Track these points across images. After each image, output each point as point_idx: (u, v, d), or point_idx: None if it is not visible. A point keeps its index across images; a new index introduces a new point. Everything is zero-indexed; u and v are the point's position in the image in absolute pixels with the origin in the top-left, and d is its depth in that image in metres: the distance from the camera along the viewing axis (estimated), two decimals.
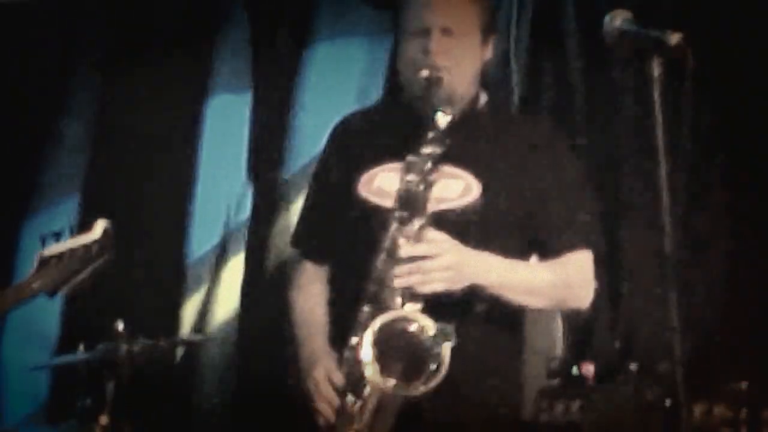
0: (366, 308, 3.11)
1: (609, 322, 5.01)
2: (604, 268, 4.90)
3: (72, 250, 3.34)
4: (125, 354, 4.23)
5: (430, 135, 3.16)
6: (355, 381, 3.10)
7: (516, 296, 3.25)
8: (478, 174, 3.26)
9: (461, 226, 3.24)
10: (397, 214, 3.12)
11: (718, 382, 4.23)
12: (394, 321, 3.08)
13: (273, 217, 5.03)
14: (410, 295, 3.09)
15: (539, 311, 3.44)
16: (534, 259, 3.36)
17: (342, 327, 3.23)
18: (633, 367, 4.42)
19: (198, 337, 5.10)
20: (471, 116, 3.36)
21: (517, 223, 3.31)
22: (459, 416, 3.19)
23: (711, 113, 4.67)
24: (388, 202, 3.23)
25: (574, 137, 3.97)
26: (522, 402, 3.43)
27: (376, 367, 3.05)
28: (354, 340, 3.11)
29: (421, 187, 3.15)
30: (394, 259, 3.10)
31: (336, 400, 3.13)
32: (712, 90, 4.59)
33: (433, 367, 3.03)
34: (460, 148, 3.24)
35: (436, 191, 3.21)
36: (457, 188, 3.27)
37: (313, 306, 3.41)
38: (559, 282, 3.31)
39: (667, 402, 2.91)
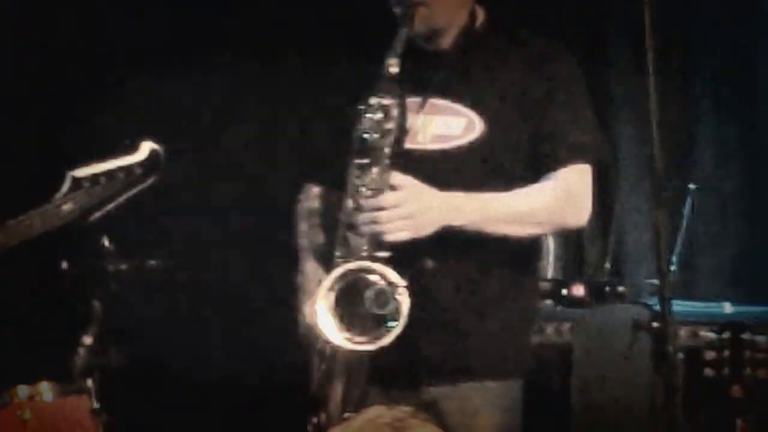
0: (337, 252, 3.05)
1: (600, 243, 5.06)
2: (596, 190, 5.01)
3: (110, 172, 3.03)
4: (112, 272, 4.11)
5: (380, 84, 3.04)
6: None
7: (499, 228, 3.09)
8: (479, 109, 3.15)
9: (464, 164, 3.17)
10: (355, 161, 3.05)
11: (704, 302, 4.31)
12: (352, 271, 2.99)
13: None
14: (377, 242, 3.00)
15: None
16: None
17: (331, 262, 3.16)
18: (622, 288, 4.49)
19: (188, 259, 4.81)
20: (467, 40, 3.19)
21: (522, 151, 3.17)
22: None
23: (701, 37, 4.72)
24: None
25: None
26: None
27: (333, 320, 3.00)
28: (326, 282, 3.04)
29: (377, 136, 3.04)
30: (358, 206, 3.03)
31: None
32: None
33: (390, 322, 2.97)
34: (458, 79, 3.13)
35: (436, 129, 3.14)
36: (458, 125, 3.18)
37: (312, 230, 3.33)
38: (555, 203, 3.13)
39: (655, 324, 2.94)
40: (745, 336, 3.94)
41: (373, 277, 2.98)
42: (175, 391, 4.84)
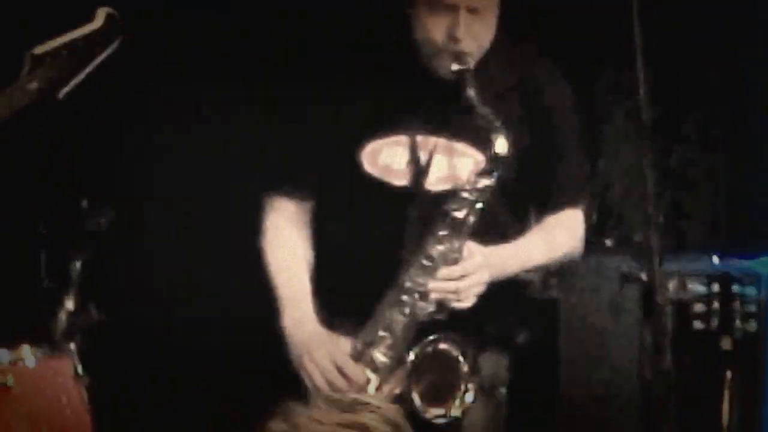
0: (389, 311, 3.10)
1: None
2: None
3: (70, 43, 2.98)
4: (91, 232, 4.10)
5: (486, 165, 3.12)
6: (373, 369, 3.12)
7: (523, 273, 3.34)
8: (486, 151, 3.17)
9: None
10: (438, 233, 3.10)
11: (693, 254, 4.30)
12: (432, 343, 3.12)
13: None
14: (441, 306, 3.12)
15: None
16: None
17: (336, 306, 3.22)
18: (609, 241, 4.49)
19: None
20: (478, 76, 3.19)
21: (521, 193, 3.28)
22: None
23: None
24: (396, 181, 3.18)
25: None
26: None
27: (409, 385, 3.11)
28: (372, 336, 3.11)
29: (465, 212, 3.11)
30: (429, 274, 3.09)
31: (346, 388, 3.10)
32: None
33: (460, 397, 3.10)
34: (466, 119, 3.14)
35: (442, 170, 3.17)
36: (464, 167, 3.19)
37: (294, 259, 3.31)
38: (563, 246, 3.35)
39: (643, 276, 2.94)
40: (735, 288, 3.95)
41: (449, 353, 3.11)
42: (159, 353, 4.83)
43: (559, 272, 4.37)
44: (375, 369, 3.12)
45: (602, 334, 4.21)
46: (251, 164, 4.50)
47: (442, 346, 3.12)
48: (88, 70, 3.01)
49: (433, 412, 3.10)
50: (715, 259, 4.24)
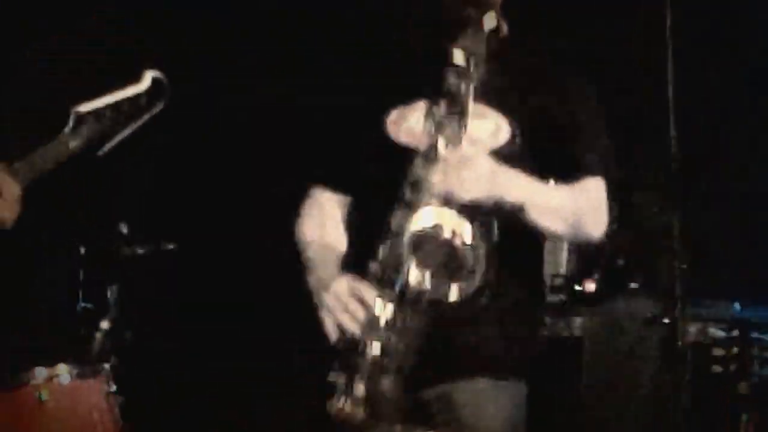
0: (399, 212, 2.99)
1: (613, 241, 5.07)
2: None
3: (115, 104, 3.07)
4: (128, 256, 4.17)
5: (464, 37, 3.08)
6: (387, 287, 2.97)
7: (538, 216, 3.09)
8: (508, 115, 3.19)
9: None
10: (440, 113, 3.04)
11: (714, 300, 4.33)
12: (430, 224, 2.95)
13: None
14: (445, 200, 2.97)
15: None
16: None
17: (362, 258, 3.09)
18: (634, 285, 4.52)
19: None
20: (495, 48, 3.31)
21: (544, 158, 3.25)
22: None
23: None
24: (419, 143, 3.10)
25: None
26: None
27: (414, 269, 2.94)
28: (383, 248, 2.99)
29: (463, 89, 3.02)
30: (431, 161, 3.01)
31: (360, 312, 3.01)
32: None
33: (469, 270, 2.92)
34: (489, 83, 3.11)
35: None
36: (486, 130, 3.21)
37: (328, 233, 3.29)
38: (576, 207, 3.14)
39: (665, 320, 2.98)
40: (754, 334, 3.98)
41: (448, 231, 2.94)
42: (192, 374, 4.87)
43: (584, 314, 4.42)
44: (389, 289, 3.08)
45: (624, 375, 4.24)
46: (286, 159, 4.57)
47: (442, 235, 3.05)
48: (129, 130, 3.08)
49: (448, 293, 3.02)
50: (737, 306, 4.29)
